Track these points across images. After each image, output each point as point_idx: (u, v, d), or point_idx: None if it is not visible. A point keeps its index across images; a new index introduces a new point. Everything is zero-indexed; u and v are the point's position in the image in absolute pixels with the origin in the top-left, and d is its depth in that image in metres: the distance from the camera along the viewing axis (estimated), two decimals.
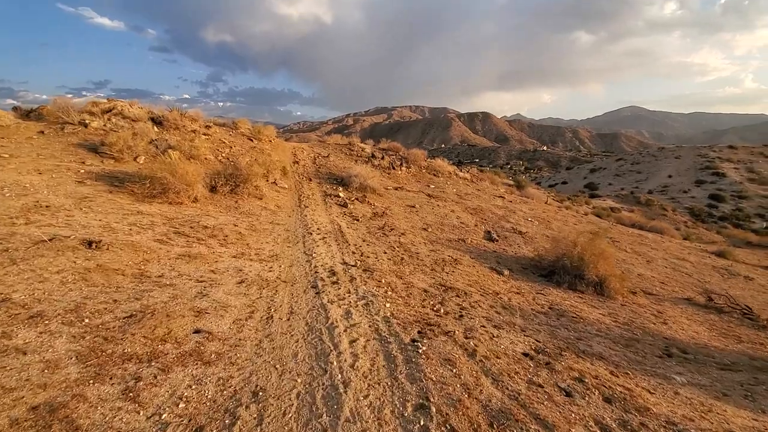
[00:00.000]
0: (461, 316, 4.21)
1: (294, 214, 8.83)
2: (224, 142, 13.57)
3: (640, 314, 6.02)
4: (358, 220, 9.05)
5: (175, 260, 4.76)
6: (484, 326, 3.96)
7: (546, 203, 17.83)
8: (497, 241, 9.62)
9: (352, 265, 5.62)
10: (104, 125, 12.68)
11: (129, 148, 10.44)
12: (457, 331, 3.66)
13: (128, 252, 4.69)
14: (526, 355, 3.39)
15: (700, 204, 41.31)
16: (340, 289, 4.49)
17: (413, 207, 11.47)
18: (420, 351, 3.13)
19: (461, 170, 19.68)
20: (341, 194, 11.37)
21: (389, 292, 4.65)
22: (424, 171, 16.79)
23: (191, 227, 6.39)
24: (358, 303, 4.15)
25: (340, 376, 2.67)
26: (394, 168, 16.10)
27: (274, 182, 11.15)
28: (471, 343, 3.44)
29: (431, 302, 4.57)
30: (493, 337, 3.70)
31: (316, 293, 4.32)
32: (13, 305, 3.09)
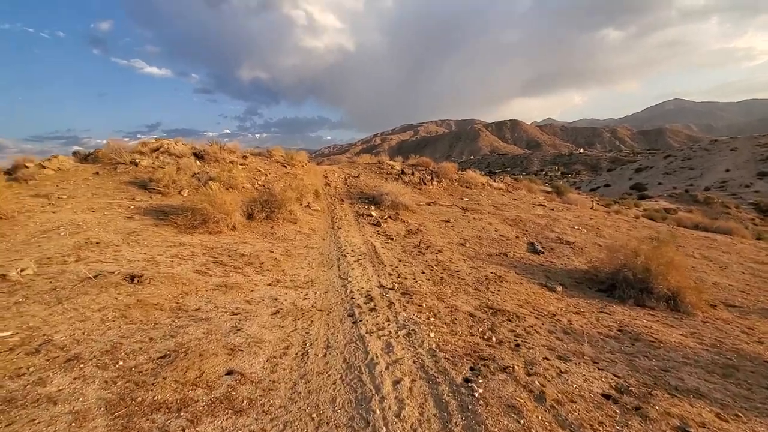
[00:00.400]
0: (517, 345, 3.67)
1: (328, 236, 8.67)
2: (260, 171, 13.95)
3: (727, 332, 5.09)
4: (392, 238, 8.71)
5: (212, 291, 4.65)
6: (546, 358, 3.40)
7: (591, 208, 16.57)
8: (543, 253, 8.86)
9: (390, 288, 5.25)
10: (152, 163, 13.45)
11: (174, 182, 10.93)
12: (516, 366, 3.15)
13: (168, 285, 4.66)
14: (607, 397, 2.79)
15: (766, 198, 36.89)
16: (378, 317, 4.13)
17: (448, 222, 10.98)
18: (476, 395, 2.66)
19: (494, 180, 18.92)
20: (373, 213, 11.15)
21: (432, 318, 4.21)
22: (455, 184, 16.26)
23: (229, 256, 6.37)
24: (399, 333, 3.76)
25: (385, 430, 2.27)
26: (424, 183, 15.74)
27: (308, 205, 11.17)
28: (536, 382, 2.91)
29: (480, 329, 4.07)
30: (561, 372, 3.14)
31: (354, 322, 3.99)
32: (53, 347, 3.03)
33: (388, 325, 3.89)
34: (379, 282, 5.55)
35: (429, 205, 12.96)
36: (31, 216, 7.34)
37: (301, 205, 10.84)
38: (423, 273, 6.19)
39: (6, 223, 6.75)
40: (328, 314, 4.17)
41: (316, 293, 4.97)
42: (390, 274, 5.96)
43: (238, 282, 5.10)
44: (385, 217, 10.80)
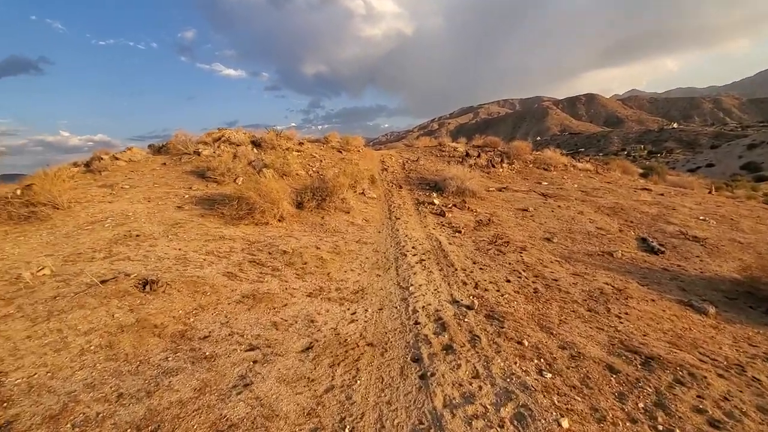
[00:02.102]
0: None
1: (384, 228, 7.32)
2: (315, 157, 13.09)
3: None
4: (459, 231, 7.06)
5: (236, 305, 3.56)
6: None
7: (709, 193, 12.96)
8: (662, 252, 6.50)
9: (467, 307, 3.70)
10: (213, 152, 13.25)
11: (229, 170, 10.40)
12: None
13: (185, 294, 3.69)
14: None
15: None
16: (459, 368, 2.58)
17: (526, 211, 8.93)
18: None
19: (578, 160, 15.91)
20: (436, 201, 9.52)
21: (548, 376, 2.58)
22: (530, 166, 13.81)
23: (269, 253, 5.34)
24: (502, 415, 2.19)
25: None
26: (493, 166, 13.58)
27: (362, 193, 9.93)
28: None
29: (641, 405, 2.35)
30: None
31: (421, 377, 2.52)
32: None
33: (479, 390, 2.33)
34: (451, 295, 4.02)
35: (500, 190, 10.93)
36: (87, 206, 7.10)
37: (355, 192, 9.64)
38: (508, 282, 4.51)
39: (60, 214, 6.51)
40: (382, 355, 2.78)
41: (367, 311, 3.62)
42: (464, 283, 4.40)
43: (271, 290, 3.96)
44: (450, 205, 9.12)
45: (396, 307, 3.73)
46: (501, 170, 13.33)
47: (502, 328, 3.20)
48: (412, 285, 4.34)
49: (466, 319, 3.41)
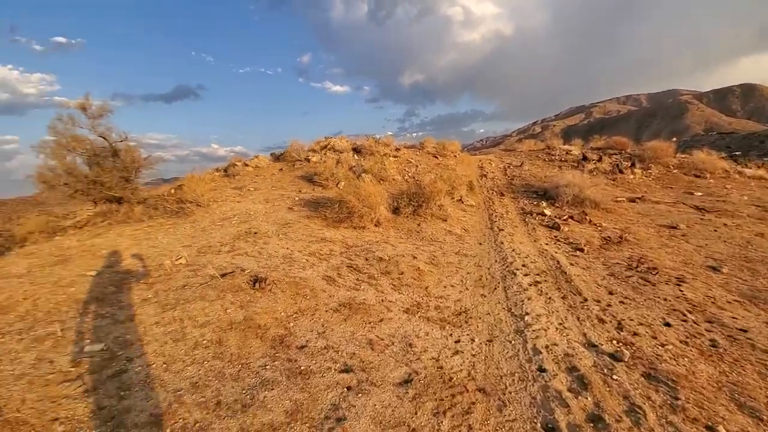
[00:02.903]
0: None
1: (486, 240, 6.51)
2: (411, 162, 12.87)
3: None
4: (581, 250, 5.79)
5: (333, 314, 3.36)
6: None
7: None
8: None
9: (612, 357, 2.77)
10: (320, 159, 14.19)
11: (332, 175, 10.88)
12: None
13: (288, 295, 3.66)
14: None
15: None
16: None
17: (674, 228, 6.95)
18: None
19: (745, 166, 12.13)
20: (547, 211, 8.20)
21: None
22: (675, 172, 11.02)
23: (366, 259, 5.15)
24: None
25: None
26: (620, 171, 11.26)
27: (460, 200, 9.21)
28: None
29: None
30: None
31: None
32: (112, 385, 2.23)
33: None
34: (585, 335, 3.10)
35: (633, 201, 8.89)
36: (221, 205, 8.12)
37: (452, 199, 8.99)
38: (668, 326, 3.31)
39: (201, 210, 7.54)
40: (500, 411, 2.13)
41: (473, 341, 3.01)
42: (600, 320, 3.39)
43: (366, 301, 3.68)
44: (565, 217, 7.72)
45: (510, 342, 3.02)
46: (632, 176, 10.96)
47: (676, 399, 2.21)
48: (527, 314, 3.54)
49: (614, 376, 2.50)
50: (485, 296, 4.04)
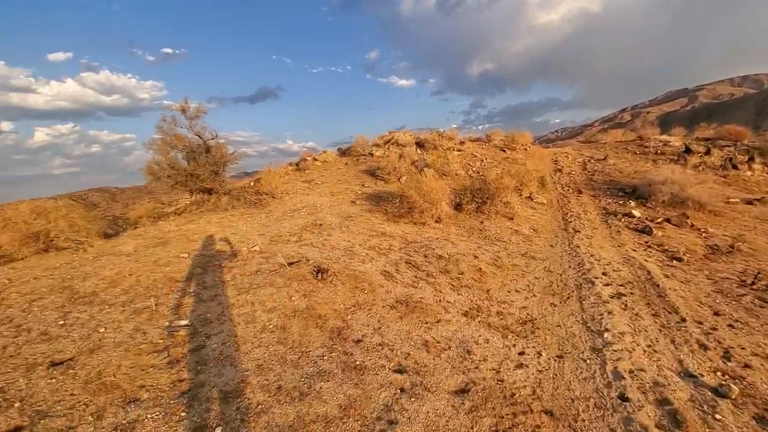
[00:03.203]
0: None
1: (558, 242, 5.90)
2: (475, 156, 12.27)
3: None
4: (680, 259, 4.89)
5: (389, 311, 3.33)
6: None
7: None
8: None
9: (715, 392, 2.26)
10: (383, 153, 14.31)
11: (395, 169, 10.90)
12: None
13: (347, 288, 3.73)
14: None
15: None
16: None
17: None
18: None
19: None
20: (636, 212, 7.13)
21: None
22: None
23: (425, 256, 5.03)
24: None
25: None
26: (735, 167, 9.31)
27: (529, 197, 8.49)
28: None
29: None
30: None
31: None
32: (191, 359, 2.47)
33: None
34: (681, 362, 2.59)
35: (750, 203, 7.29)
36: (292, 197, 8.67)
37: (520, 195, 8.34)
38: None
39: (276, 202, 8.14)
40: None
41: (540, 355, 2.72)
42: (702, 346, 2.81)
43: (423, 300, 3.57)
44: (660, 219, 6.63)
45: (584, 361, 2.66)
46: (749, 173, 9.01)
47: None
48: (607, 330, 3.09)
49: (717, 416, 2.04)
50: (556, 306, 3.64)
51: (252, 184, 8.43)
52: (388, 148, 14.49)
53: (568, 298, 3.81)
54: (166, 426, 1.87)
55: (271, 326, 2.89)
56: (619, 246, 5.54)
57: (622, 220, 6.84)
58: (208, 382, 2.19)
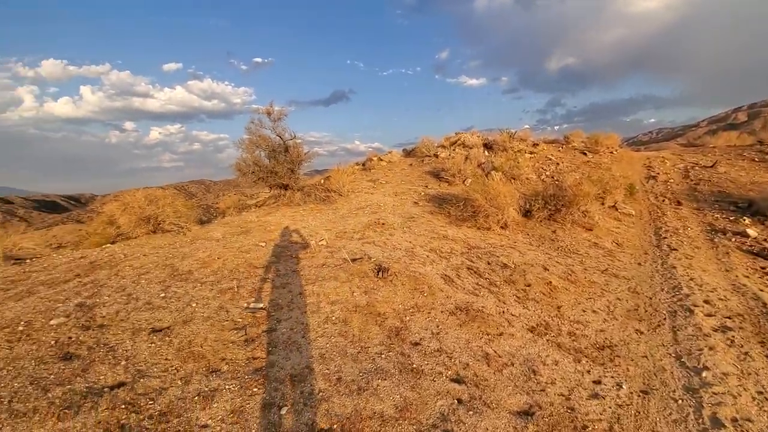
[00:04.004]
0: None
1: (648, 260, 5.14)
2: (550, 159, 11.33)
3: None
4: None
5: (448, 317, 3.24)
6: None
7: None
8: None
9: None
10: (449, 155, 14.04)
11: (459, 171, 10.62)
12: None
13: (407, 289, 3.73)
14: None
15: None
16: None
17: None
18: None
19: None
20: (751, 231, 5.90)
21: None
22: None
23: (488, 263, 4.79)
24: None
25: None
26: None
27: (613, 206, 7.56)
28: None
29: None
30: None
31: None
32: (262, 342, 2.69)
33: None
34: None
35: None
36: (357, 196, 8.97)
37: (602, 204, 7.47)
38: None
39: (342, 199, 8.51)
40: None
41: (620, 387, 2.39)
42: None
43: (485, 309, 3.40)
44: None
45: (676, 401, 2.27)
46: None
47: None
48: (707, 368, 2.59)
49: None
50: (642, 333, 3.17)
51: (322, 181, 8.93)
52: (454, 150, 14.15)
53: (659, 326, 3.30)
54: (241, 398, 2.07)
55: (333, 318, 3.02)
56: (727, 270, 4.63)
57: (733, 239, 5.71)
58: (278, 364, 2.37)
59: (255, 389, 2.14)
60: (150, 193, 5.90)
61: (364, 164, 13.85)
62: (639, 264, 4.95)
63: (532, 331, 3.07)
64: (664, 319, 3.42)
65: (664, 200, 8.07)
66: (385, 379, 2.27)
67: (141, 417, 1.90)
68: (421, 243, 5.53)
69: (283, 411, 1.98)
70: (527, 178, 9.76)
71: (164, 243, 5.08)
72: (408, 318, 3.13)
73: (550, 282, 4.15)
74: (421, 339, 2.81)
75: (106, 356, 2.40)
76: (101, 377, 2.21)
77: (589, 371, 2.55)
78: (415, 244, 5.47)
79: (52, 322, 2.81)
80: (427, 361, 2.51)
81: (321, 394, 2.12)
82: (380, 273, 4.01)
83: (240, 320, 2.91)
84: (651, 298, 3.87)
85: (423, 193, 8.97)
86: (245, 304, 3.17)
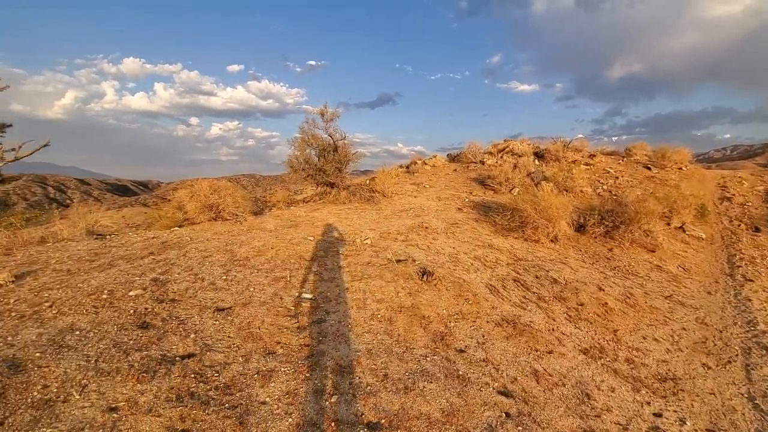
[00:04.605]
0: None
1: (720, 289, 4.64)
2: (608, 172, 10.60)
3: None
4: None
5: (494, 327, 3.18)
6: None
7: None
8: None
9: None
10: (496, 162, 13.68)
11: (507, 180, 10.32)
12: None
13: (451, 294, 3.71)
14: None
15: None
16: None
17: None
18: None
19: None
20: None
21: None
22: None
23: (536, 276, 4.62)
24: None
25: None
26: None
27: (681, 227, 6.91)
28: None
29: None
30: None
31: None
32: (312, 331, 2.82)
33: None
34: None
35: None
36: (401, 198, 9.05)
37: (668, 225, 6.86)
38: None
39: (386, 200, 8.63)
40: None
41: (684, 424, 2.20)
42: None
43: (533, 324, 3.29)
44: None
45: None
46: None
47: None
48: None
49: None
50: (710, 368, 2.88)
51: (368, 182, 9.11)
52: (501, 157, 13.74)
53: (729, 362, 2.98)
54: (294, 381, 2.20)
55: (379, 316, 3.10)
56: None
57: None
58: (327, 353, 2.49)
59: (307, 374, 2.27)
60: (214, 183, 6.40)
61: (407, 167, 13.89)
62: (709, 293, 4.49)
63: (585, 353, 2.92)
64: (737, 355, 3.08)
65: (739, 225, 7.22)
66: (432, 382, 2.29)
67: (208, 387, 2.09)
68: (465, 250, 5.46)
69: (334, 399, 2.08)
70: (581, 191, 9.21)
71: (223, 230, 5.50)
72: (452, 324, 3.12)
73: (606, 303, 3.90)
74: (466, 347, 2.79)
75: (178, 328, 2.67)
76: (173, 347, 2.46)
77: (649, 402, 2.38)
78: (459, 250, 5.41)
79: (131, 293, 3.17)
80: (472, 370, 2.49)
81: (369, 387, 2.19)
82: (425, 276, 4.03)
83: (292, 308, 3.09)
84: (721, 332, 3.49)
85: (467, 200, 8.82)
86: (296, 294, 3.35)
